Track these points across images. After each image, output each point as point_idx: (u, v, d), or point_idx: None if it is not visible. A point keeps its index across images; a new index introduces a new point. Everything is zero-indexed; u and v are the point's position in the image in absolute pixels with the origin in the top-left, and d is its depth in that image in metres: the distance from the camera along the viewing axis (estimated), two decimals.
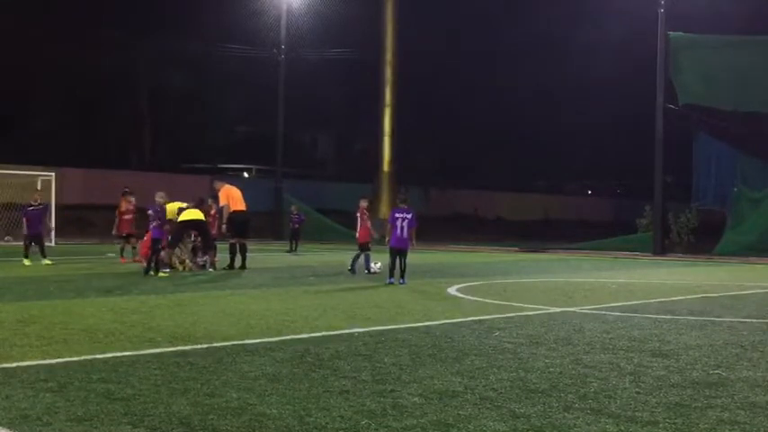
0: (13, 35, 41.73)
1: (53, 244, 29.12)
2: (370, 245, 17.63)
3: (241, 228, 18.10)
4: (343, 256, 20.64)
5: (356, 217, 18.16)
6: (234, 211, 17.88)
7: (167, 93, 50.68)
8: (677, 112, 28.80)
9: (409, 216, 14.95)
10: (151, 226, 16.06)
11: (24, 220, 19.32)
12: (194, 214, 16.89)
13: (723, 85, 28.82)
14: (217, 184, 18.63)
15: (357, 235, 17.95)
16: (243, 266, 17.62)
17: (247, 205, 18.48)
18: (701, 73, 29.00)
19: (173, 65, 48.96)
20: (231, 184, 18.78)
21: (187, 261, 17.28)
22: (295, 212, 28.15)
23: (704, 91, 28.93)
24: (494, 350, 7.60)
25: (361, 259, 17.34)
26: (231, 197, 18.02)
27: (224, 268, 17.35)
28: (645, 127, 32.33)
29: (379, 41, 42.12)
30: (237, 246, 17.81)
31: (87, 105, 48.29)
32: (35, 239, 19.09)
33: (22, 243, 19.51)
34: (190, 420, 4.98)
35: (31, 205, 19.56)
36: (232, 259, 17.67)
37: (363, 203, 18.31)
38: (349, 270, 17.17)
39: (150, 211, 16.22)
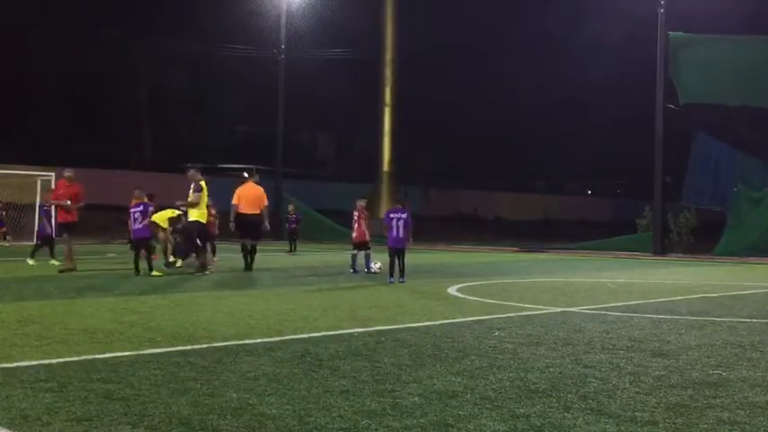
0: (14, 35, 41.74)
1: None
2: (369, 244, 17.66)
3: (250, 230, 17.68)
4: (343, 256, 20.63)
5: (353, 217, 18.12)
6: (243, 213, 17.47)
7: (167, 93, 50.68)
8: (677, 111, 28.78)
9: (404, 216, 15.09)
10: (137, 225, 15.92)
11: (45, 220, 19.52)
12: (200, 215, 16.53)
13: (727, 83, 28.71)
14: (193, 174, 17.05)
15: (354, 235, 17.89)
16: (248, 268, 17.33)
17: (263, 207, 17.79)
18: (702, 72, 28.88)
19: (173, 65, 48.97)
20: (257, 183, 18.04)
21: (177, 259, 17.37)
22: (292, 212, 28.12)
23: (707, 89, 28.83)
24: (494, 350, 7.60)
25: (362, 258, 17.41)
26: (244, 197, 17.59)
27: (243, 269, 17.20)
28: (645, 127, 32.33)
29: (379, 41, 42.16)
30: (248, 246, 17.52)
31: (87, 105, 48.32)
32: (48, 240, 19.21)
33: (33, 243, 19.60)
34: (190, 420, 4.98)
35: (44, 206, 19.79)
36: (245, 258, 17.46)
37: (361, 203, 18.30)
38: (351, 271, 17.29)
39: (140, 209, 15.97)
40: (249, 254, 17.54)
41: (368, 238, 17.72)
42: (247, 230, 17.69)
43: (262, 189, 18.05)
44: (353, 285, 14.56)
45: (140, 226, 15.88)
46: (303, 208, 32.60)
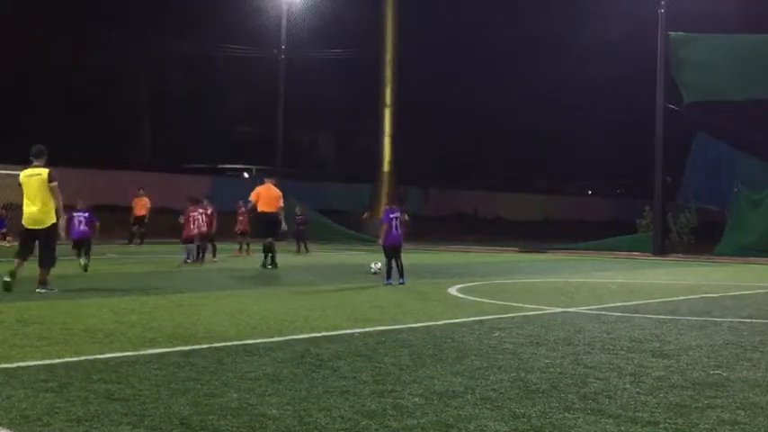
0: (13, 35, 41.72)
1: None
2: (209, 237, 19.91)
3: (267, 228, 18.31)
4: (344, 256, 20.64)
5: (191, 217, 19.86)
6: (262, 212, 18.13)
7: (167, 93, 50.65)
8: (678, 111, 28.73)
9: (398, 214, 15.17)
10: (82, 227, 17.17)
11: None
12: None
13: (731, 78, 28.56)
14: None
15: (199, 230, 19.79)
16: (273, 264, 17.95)
17: (278, 207, 18.38)
18: (705, 69, 28.72)
19: (173, 65, 48.97)
20: (272, 185, 18.67)
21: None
22: (299, 213, 28.06)
23: (711, 86, 28.69)
24: (494, 350, 7.60)
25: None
26: (261, 196, 18.19)
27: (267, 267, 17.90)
28: (645, 127, 32.30)
29: (379, 41, 42.12)
30: (270, 245, 18.00)
31: (87, 105, 48.27)
32: None
33: None
34: (190, 420, 4.98)
35: None
36: (272, 258, 18.01)
37: (206, 203, 20.56)
38: (187, 261, 18.92)
39: (85, 215, 17.31)
40: (268, 251, 18.01)
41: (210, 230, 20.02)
42: (266, 228, 18.35)
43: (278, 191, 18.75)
44: (354, 286, 14.56)
45: (85, 228, 17.22)
46: (310, 212, 32.53)
